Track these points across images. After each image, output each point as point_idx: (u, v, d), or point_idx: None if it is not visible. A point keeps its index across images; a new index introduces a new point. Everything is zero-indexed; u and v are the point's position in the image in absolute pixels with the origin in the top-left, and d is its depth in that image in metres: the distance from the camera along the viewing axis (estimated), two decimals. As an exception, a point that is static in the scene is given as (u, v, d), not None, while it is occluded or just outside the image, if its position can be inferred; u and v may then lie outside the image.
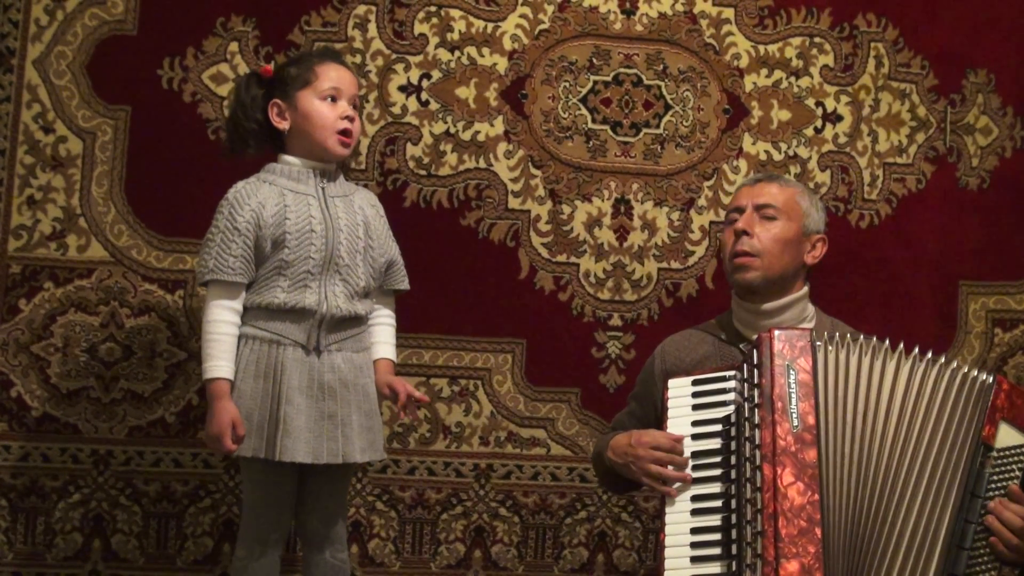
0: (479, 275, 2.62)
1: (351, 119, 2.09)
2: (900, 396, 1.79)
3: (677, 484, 1.85)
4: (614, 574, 2.64)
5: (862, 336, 1.88)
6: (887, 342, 1.85)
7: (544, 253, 2.66)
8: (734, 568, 1.75)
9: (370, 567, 2.57)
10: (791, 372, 1.80)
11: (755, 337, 1.88)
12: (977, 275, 2.78)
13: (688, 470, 1.86)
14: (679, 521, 1.84)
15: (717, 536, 1.79)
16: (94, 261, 2.50)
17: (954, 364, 1.81)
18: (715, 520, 1.80)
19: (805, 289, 2.09)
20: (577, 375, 2.65)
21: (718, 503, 1.81)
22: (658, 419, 2.01)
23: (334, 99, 2.08)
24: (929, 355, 1.83)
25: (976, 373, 1.80)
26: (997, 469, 1.74)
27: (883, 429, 1.78)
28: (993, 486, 1.74)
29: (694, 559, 1.79)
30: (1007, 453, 1.76)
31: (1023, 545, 1.71)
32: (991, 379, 1.79)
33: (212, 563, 2.51)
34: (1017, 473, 1.75)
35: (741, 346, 2.01)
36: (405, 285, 2.21)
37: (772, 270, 2.02)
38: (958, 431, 1.77)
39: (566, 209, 2.67)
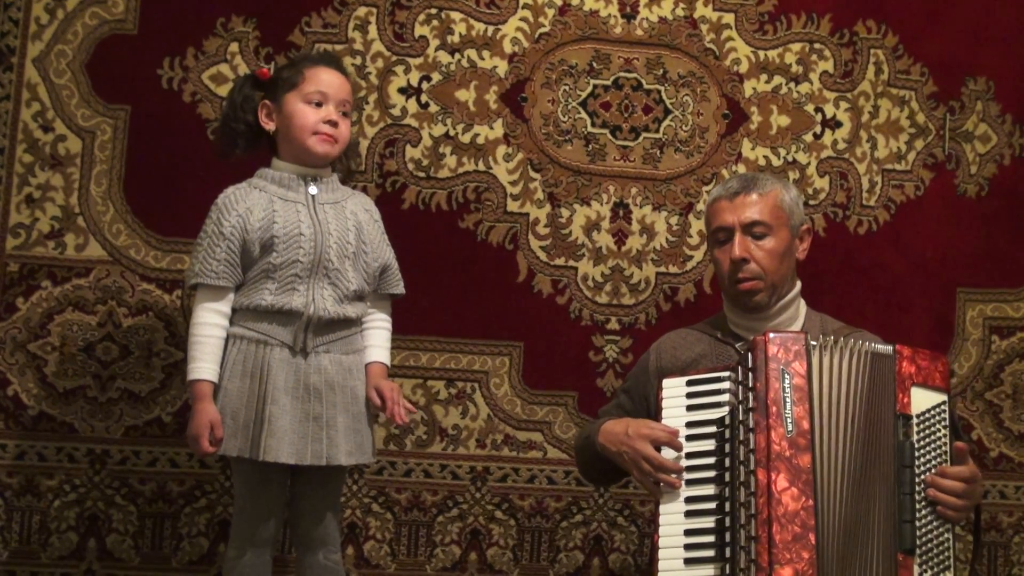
0: (477, 278, 2.62)
1: (334, 124, 2.08)
2: (855, 389, 1.81)
3: (668, 490, 1.86)
4: (609, 578, 2.64)
5: (846, 333, 1.89)
6: (881, 339, 1.87)
7: (542, 256, 2.66)
8: (727, 571, 1.75)
9: (366, 569, 2.57)
10: (786, 376, 1.80)
11: (751, 338, 1.89)
12: (975, 282, 2.78)
13: (682, 472, 1.86)
14: (673, 522, 1.84)
15: (711, 538, 1.79)
16: (92, 260, 2.50)
17: (860, 344, 1.83)
18: (709, 522, 1.81)
19: (799, 285, 2.10)
20: (574, 378, 2.65)
21: (712, 505, 1.82)
22: (649, 415, 2.01)
23: (319, 104, 2.08)
24: (860, 343, 1.84)
25: (876, 348, 1.82)
26: (923, 434, 1.78)
27: (858, 427, 1.79)
28: (923, 451, 1.77)
29: (687, 560, 1.80)
30: (928, 415, 1.79)
31: (968, 503, 1.77)
32: (890, 349, 1.82)
33: (207, 563, 2.50)
34: (943, 431, 1.79)
35: (737, 346, 2.02)
36: (400, 289, 2.21)
37: (777, 283, 2.04)
38: (879, 410, 1.80)
39: (565, 213, 2.67)
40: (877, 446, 1.78)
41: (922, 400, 1.79)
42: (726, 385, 1.88)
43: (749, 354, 1.84)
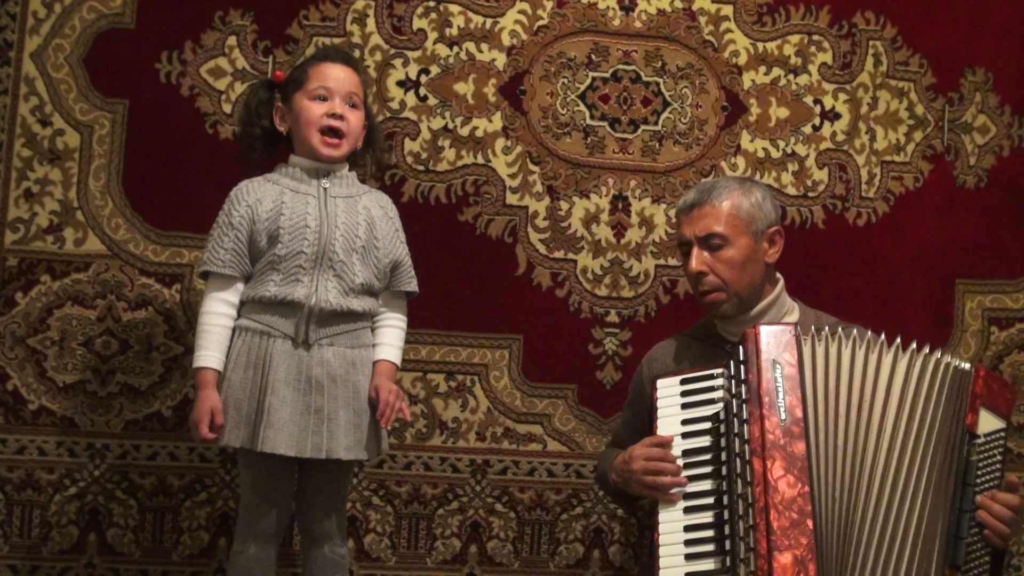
0: (476, 271, 2.63)
1: (339, 117, 2.09)
2: (884, 387, 1.83)
3: (675, 489, 1.87)
4: (609, 570, 2.64)
5: (841, 327, 1.91)
6: (875, 335, 1.88)
7: (542, 249, 2.66)
8: (728, 563, 1.76)
9: (366, 562, 2.57)
10: (777, 367, 1.82)
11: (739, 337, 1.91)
12: (974, 273, 2.78)
13: (682, 471, 1.88)
14: (672, 520, 1.85)
15: (710, 533, 1.80)
16: (91, 255, 2.50)
17: (937, 354, 1.84)
18: (708, 517, 1.82)
19: (779, 286, 2.11)
20: (574, 371, 2.65)
21: (710, 500, 1.83)
22: (651, 425, 2.02)
23: (324, 99, 2.10)
24: (913, 346, 1.86)
25: (954, 361, 1.84)
26: (982, 456, 1.79)
27: (870, 420, 1.81)
28: (980, 473, 1.78)
29: (688, 556, 1.81)
30: (989, 439, 1.80)
31: (1011, 534, 1.77)
32: (969, 367, 1.83)
33: (208, 557, 2.51)
34: (999, 457, 1.80)
35: (727, 348, 2.04)
36: (412, 287, 2.21)
37: (741, 292, 2.05)
38: (943, 420, 1.81)
39: (564, 205, 2.67)
40: (934, 452, 1.79)
41: (986, 423, 1.80)
42: (719, 382, 1.90)
43: (740, 348, 1.86)
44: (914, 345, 1.86)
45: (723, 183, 2.09)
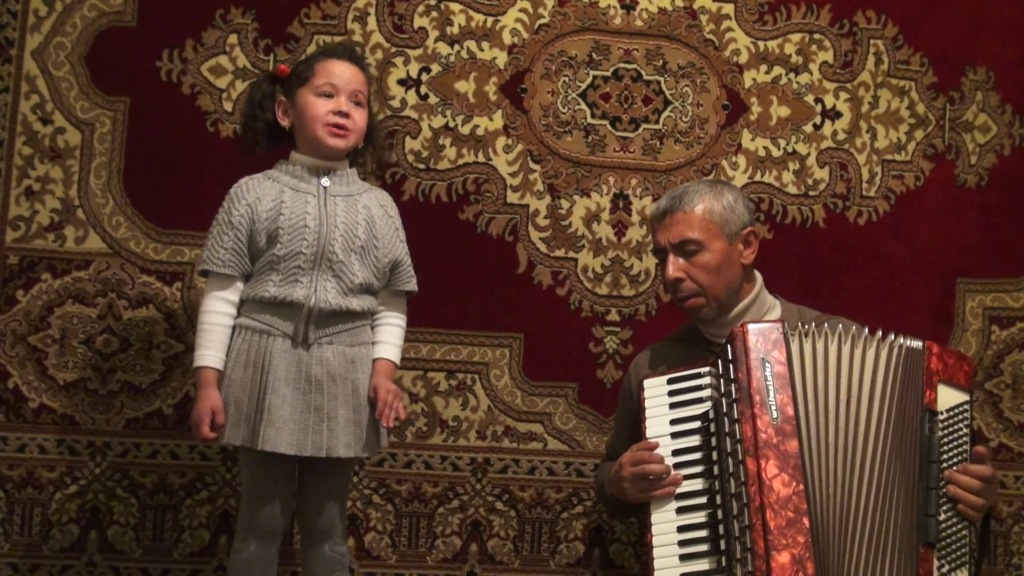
0: (477, 269, 2.62)
1: (344, 115, 2.09)
2: (870, 379, 1.85)
3: (671, 486, 1.87)
4: (610, 568, 2.64)
5: (826, 321, 1.91)
6: (859, 326, 1.88)
7: (542, 248, 2.66)
8: (723, 563, 1.76)
9: (366, 560, 2.57)
10: (766, 365, 1.82)
11: (725, 339, 1.91)
12: (975, 272, 2.78)
13: (673, 470, 1.88)
14: (665, 520, 1.85)
15: (704, 533, 1.80)
16: (92, 253, 2.50)
17: (897, 338, 1.85)
18: (701, 517, 1.82)
19: (758, 284, 2.11)
20: (574, 370, 2.65)
21: (703, 499, 1.83)
22: (643, 432, 2.02)
23: (330, 95, 2.09)
24: (891, 337, 1.86)
25: (906, 342, 1.84)
26: (947, 431, 1.80)
27: (858, 414, 1.82)
28: (946, 448, 1.79)
29: (683, 557, 1.80)
30: (952, 413, 1.81)
31: (986, 503, 1.78)
32: (920, 345, 1.83)
33: (208, 555, 2.51)
34: (965, 430, 1.81)
35: (712, 348, 2.04)
36: (411, 287, 2.21)
37: (719, 296, 2.05)
38: (906, 403, 1.82)
39: (565, 204, 2.67)
40: (899, 436, 1.79)
41: (947, 398, 1.81)
42: (707, 380, 1.90)
43: (729, 346, 1.86)
44: (889, 336, 1.86)
45: (694, 187, 2.10)
